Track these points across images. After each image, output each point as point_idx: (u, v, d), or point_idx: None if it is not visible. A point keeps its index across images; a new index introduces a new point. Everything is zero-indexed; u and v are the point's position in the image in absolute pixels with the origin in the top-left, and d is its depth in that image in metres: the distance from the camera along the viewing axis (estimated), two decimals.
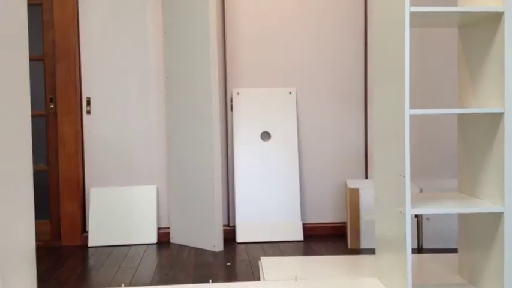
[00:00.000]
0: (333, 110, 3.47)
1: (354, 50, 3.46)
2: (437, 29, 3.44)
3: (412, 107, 3.28)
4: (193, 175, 3.17)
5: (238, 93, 3.41)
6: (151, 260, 2.94)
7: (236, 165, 3.35)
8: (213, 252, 3.04)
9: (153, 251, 3.13)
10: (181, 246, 3.24)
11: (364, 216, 3.07)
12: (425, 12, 1.93)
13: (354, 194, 3.08)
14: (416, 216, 3.05)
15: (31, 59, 3.24)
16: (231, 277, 2.59)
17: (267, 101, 3.41)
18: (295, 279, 2.32)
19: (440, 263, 2.56)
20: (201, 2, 3.06)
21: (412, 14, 1.93)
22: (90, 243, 3.27)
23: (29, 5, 3.20)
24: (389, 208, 2.10)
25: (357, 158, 3.47)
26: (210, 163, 3.07)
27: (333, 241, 3.25)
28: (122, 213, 3.33)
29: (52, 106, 3.33)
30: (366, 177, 3.46)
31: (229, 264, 2.81)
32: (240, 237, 3.27)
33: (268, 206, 3.31)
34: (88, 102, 3.36)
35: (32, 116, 3.19)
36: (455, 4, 2.67)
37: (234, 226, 3.38)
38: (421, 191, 3.05)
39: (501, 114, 1.94)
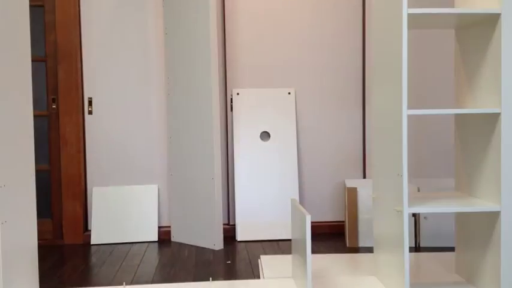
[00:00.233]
0: (332, 110, 3.49)
1: (352, 51, 3.48)
2: (435, 30, 3.47)
3: (409, 107, 3.31)
4: (194, 174, 3.20)
5: (238, 94, 3.43)
6: (152, 258, 2.97)
7: (236, 164, 3.38)
8: (213, 251, 3.07)
9: (154, 249, 3.15)
10: (181, 244, 3.26)
11: (362, 215, 3.09)
12: (422, 14, 1.95)
13: (352, 193, 3.10)
14: (414, 215, 3.07)
15: (33, 60, 3.26)
16: (231, 275, 2.61)
17: (267, 101, 3.43)
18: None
19: (437, 262, 2.58)
20: (201, 2, 3.09)
21: (409, 15, 1.95)
22: (92, 242, 3.29)
23: (31, 6, 3.22)
24: (387, 207, 2.12)
25: (355, 158, 3.50)
26: (210, 163, 3.09)
27: (331, 240, 3.27)
28: (123, 212, 3.36)
29: (54, 106, 3.35)
30: (364, 177, 3.49)
31: (229, 262, 2.83)
32: (240, 236, 3.29)
33: (267, 205, 3.34)
34: (90, 103, 3.38)
35: (34, 116, 3.23)
36: (452, 6, 2.70)
37: (234, 225, 3.41)
38: (418, 190, 3.07)
39: (497, 115, 1.96)
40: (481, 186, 2.08)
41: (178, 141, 3.29)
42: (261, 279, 2.45)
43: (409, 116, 3.37)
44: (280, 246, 3.16)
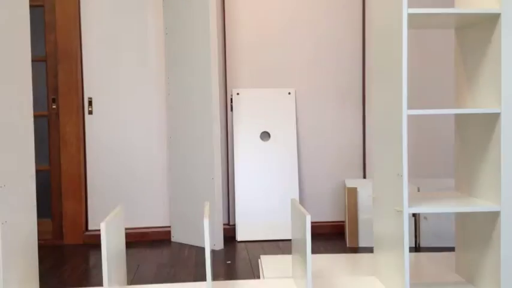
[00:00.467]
0: (332, 110, 3.49)
1: (352, 51, 3.48)
2: (435, 30, 3.47)
3: (410, 107, 3.31)
4: (194, 174, 3.20)
5: (238, 94, 3.43)
6: (152, 258, 2.97)
7: (236, 164, 3.38)
8: (213, 251, 3.07)
9: (155, 249, 3.15)
10: (181, 244, 3.26)
11: (363, 215, 3.09)
12: (422, 14, 1.95)
13: (352, 193, 3.11)
14: (414, 215, 3.08)
15: (33, 60, 3.25)
16: (231, 275, 2.61)
17: (267, 101, 3.43)
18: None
19: (437, 262, 2.58)
20: (201, 3, 3.09)
21: (409, 15, 1.95)
22: (92, 241, 3.29)
23: (31, 6, 3.21)
24: (387, 207, 2.12)
25: (356, 158, 3.50)
26: (210, 163, 3.09)
27: (331, 240, 3.27)
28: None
29: (54, 107, 3.35)
30: (364, 177, 3.49)
31: (229, 262, 2.83)
32: (240, 236, 3.29)
33: (267, 205, 3.34)
34: (90, 103, 3.38)
35: (35, 116, 3.23)
36: (452, 6, 2.70)
37: (234, 225, 3.41)
38: (418, 190, 3.07)
39: (498, 115, 1.96)
40: (481, 186, 2.08)
41: (178, 141, 3.29)
42: (261, 279, 2.45)
43: (409, 116, 3.37)
44: (280, 246, 3.16)
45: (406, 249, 1.95)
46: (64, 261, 2.95)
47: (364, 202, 3.09)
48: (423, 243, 3.06)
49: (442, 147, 3.49)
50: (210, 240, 3.11)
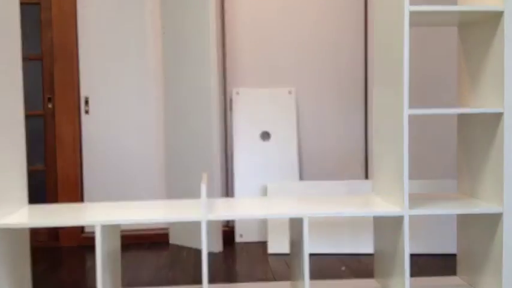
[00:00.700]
0: (333, 110, 3.46)
1: (353, 50, 3.45)
2: (438, 28, 3.43)
3: (412, 106, 3.27)
4: (192, 174, 3.16)
5: (237, 93, 3.40)
6: (150, 261, 2.94)
7: (235, 164, 3.34)
8: (213, 253, 3.04)
9: (152, 252, 3.12)
10: (179, 246, 3.23)
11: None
12: (424, 12, 1.92)
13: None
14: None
15: (29, 59, 3.24)
16: (230, 277, 2.59)
17: (267, 100, 3.40)
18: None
19: (439, 264, 2.55)
20: (200, 2, 3.06)
21: (411, 13, 1.91)
22: (89, 243, 3.26)
23: (27, 4, 3.19)
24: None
25: (357, 158, 3.46)
26: (210, 163, 3.06)
27: None
28: None
29: (50, 106, 3.32)
30: (366, 177, 3.45)
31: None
32: (239, 237, 3.26)
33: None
34: (86, 102, 3.35)
35: (30, 115, 3.20)
36: (455, 3, 2.66)
37: (233, 227, 3.38)
38: (419, 191, 3.03)
39: (500, 114, 1.93)
40: (483, 187, 2.05)
41: (177, 141, 3.26)
42: (260, 283, 2.42)
43: (410, 116, 3.33)
44: None
45: (407, 251, 1.91)
46: (60, 263, 2.92)
47: None
48: (424, 245, 3.02)
49: (444, 147, 3.45)
50: (209, 240, 3.08)
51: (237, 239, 3.27)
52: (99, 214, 1.93)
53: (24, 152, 2.10)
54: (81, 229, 3.35)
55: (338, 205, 2.04)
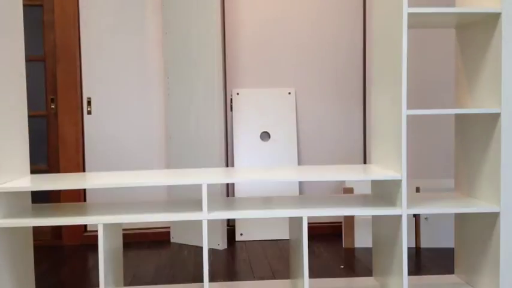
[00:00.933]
0: (332, 111, 3.48)
1: (352, 51, 3.47)
2: (437, 30, 3.45)
3: (410, 107, 3.29)
4: None
5: (238, 94, 3.42)
6: (151, 259, 2.96)
7: (236, 164, 3.36)
8: (217, 250, 3.06)
9: (154, 250, 3.14)
10: (181, 245, 3.25)
11: (359, 216, 3.08)
12: (422, 13, 1.93)
13: (348, 193, 3.09)
14: (415, 215, 3.06)
15: (32, 60, 3.27)
16: (231, 275, 2.60)
17: (267, 101, 3.42)
18: None
19: (437, 262, 2.57)
20: (201, 2, 3.08)
21: (409, 14, 1.93)
22: (92, 242, 3.28)
23: (29, 5, 3.22)
24: None
25: (356, 158, 3.48)
26: (210, 163, 3.08)
27: (329, 240, 3.26)
28: None
29: (53, 106, 3.35)
30: None
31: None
32: (240, 236, 3.28)
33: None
34: (89, 103, 3.37)
35: (33, 116, 3.22)
36: (453, 5, 2.68)
37: (233, 225, 3.40)
38: (418, 190, 3.05)
39: (498, 115, 1.94)
40: (481, 186, 2.07)
41: (178, 141, 3.28)
42: (259, 281, 2.44)
43: (409, 116, 3.36)
44: (280, 246, 3.15)
45: (405, 249, 1.93)
46: (63, 262, 2.94)
47: None
48: (423, 244, 3.05)
49: (442, 147, 3.47)
50: (213, 239, 3.10)
51: (237, 238, 3.29)
52: (101, 213, 1.95)
53: (28, 153, 2.13)
54: (83, 228, 3.37)
55: (337, 204, 2.06)
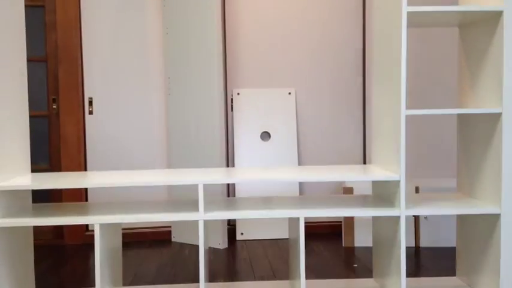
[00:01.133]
0: (332, 111, 3.48)
1: (352, 51, 3.47)
2: (437, 29, 3.44)
3: (411, 107, 3.28)
4: None
5: (238, 94, 3.42)
6: (152, 258, 2.96)
7: (236, 164, 3.37)
8: (218, 250, 3.06)
9: (155, 250, 3.15)
10: (182, 244, 3.25)
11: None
12: (421, 12, 1.92)
13: (348, 193, 3.09)
14: (414, 215, 3.05)
15: (34, 60, 3.28)
16: (231, 275, 2.61)
17: (267, 101, 3.42)
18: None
19: (437, 262, 2.56)
20: (202, 3, 3.08)
21: (408, 13, 1.92)
22: (93, 241, 3.29)
23: (31, 6, 3.23)
24: None
25: (356, 158, 3.48)
26: (211, 163, 3.08)
27: (328, 239, 3.26)
28: None
29: (55, 107, 3.36)
30: None
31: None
32: (241, 235, 3.29)
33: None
34: (90, 103, 3.38)
35: (35, 116, 3.23)
36: (456, 3, 2.67)
37: (234, 225, 3.40)
38: (417, 190, 3.04)
39: (499, 115, 1.92)
40: (482, 187, 2.06)
41: (179, 141, 3.29)
42: (259, 281, 2.44)
43: (409, 116, 3.34)
44: (280, 245, 3.15)
45: (403, 249, 1.92)
46: (64, 261, 2.95)
47: None
48: (423, 244, 3.04)
49: (443, 146, 3.46)
50: (213, 238, 3.11)
51: (238, 237, 3.29)
52: (99, 213, 1.96)
53: (28, 152, 2.13)
54: (85, 227, 3.38)
55: (337, 204, 2.05)
